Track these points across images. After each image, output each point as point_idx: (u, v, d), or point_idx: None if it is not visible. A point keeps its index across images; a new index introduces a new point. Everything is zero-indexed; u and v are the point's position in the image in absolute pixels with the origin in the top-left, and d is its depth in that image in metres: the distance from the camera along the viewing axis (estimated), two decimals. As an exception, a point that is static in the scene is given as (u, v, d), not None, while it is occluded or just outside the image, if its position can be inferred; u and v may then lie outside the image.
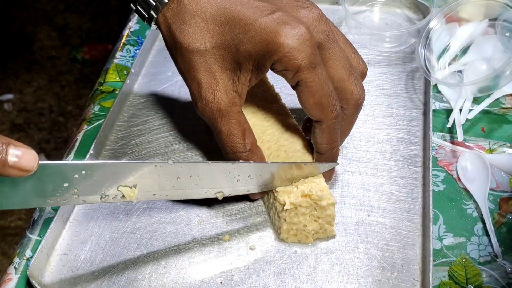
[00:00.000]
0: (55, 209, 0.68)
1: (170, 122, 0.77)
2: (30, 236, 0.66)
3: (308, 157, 0.66)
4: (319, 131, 0.62)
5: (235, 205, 0.67)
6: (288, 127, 0.69)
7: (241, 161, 0.63)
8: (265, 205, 0.67)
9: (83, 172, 0.54)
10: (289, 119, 0.70)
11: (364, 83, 0.79)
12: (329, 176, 0.67)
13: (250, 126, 0.65)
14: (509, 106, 0.78)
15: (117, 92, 0.82)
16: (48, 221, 0.67)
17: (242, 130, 0.63)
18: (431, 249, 0.60)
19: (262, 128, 0.69)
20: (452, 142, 0.74)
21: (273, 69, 0.60)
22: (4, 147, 0.47)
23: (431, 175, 0.67)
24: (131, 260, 0.62)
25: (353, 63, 0.64)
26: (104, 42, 2.32)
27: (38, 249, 0.61)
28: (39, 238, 0.66)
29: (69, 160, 0.53)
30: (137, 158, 0.73)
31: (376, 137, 0.74)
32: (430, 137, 0.70)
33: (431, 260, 0.59)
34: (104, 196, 0.56)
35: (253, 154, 0.64)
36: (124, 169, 0.56)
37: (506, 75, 0.73)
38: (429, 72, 0.76)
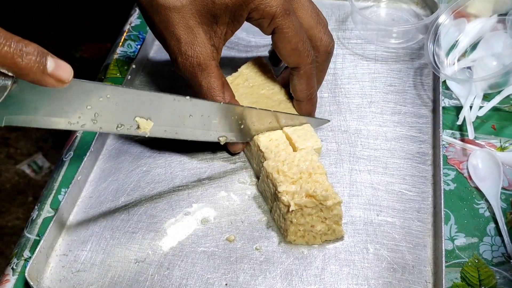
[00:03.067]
0: (55, 208, 0.66)
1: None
2: (28, 236, 0.64)
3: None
4: (297, 77, 0.66)
5: (240, 204, 0.65)
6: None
7: (247, 106, 0.66)
8: (268, 207, 0.65)
9: (108, 95, 0.56)
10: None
11: (371, 79, 0.78)
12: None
13: (227, 81, 0.67)
14: (520, 103, 0.76)
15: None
16: (47, 221, 0.65)
17: (221, 84, 0.65)
18: (443, 250, 0.58)
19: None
20: (462, 140, 0.72)
21: (249, 19, 0.64)
22: (44, 56, 0.47)
23: (442, 173, 0.65)
24: (133, 261, 0.60)
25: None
26: (103, 40, 2.29)
27: (37, 250, 0.59)
28: (37, 238, 0.64)
29: (98, 83, 0.56)
30: (138, 155, 0.71)
31: (384, 135, 0.72)
32: (440, 134, 0.69)
33: (444, 262, 0.57)
34: (120, 125, 0.58)
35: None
36: (144, 97, 0.58)
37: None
38: (438, 68, 0.74)
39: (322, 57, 0.68)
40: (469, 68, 0.79)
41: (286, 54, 0.64)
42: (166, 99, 0.60)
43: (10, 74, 0.46)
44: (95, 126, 0.57)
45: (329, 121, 0.72)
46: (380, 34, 0.84)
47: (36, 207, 0.67)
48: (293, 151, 0.65)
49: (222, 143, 0.66)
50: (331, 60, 0.79)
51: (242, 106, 0.65)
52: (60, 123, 0.55)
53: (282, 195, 0.60)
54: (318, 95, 0.76)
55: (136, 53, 0.82)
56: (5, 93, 0.47)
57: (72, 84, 0.50)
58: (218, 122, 0.64)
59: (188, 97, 0.61)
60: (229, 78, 0.72)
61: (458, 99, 0.76)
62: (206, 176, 0.68)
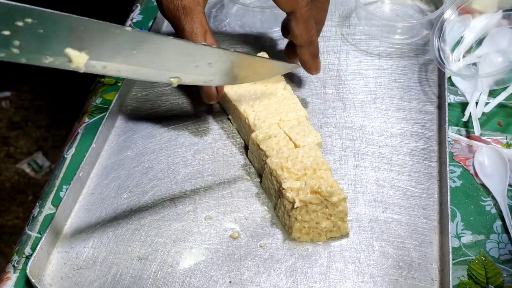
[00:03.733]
0: (56, 205, 0.65)
1: (176, 115, 0.74)
2: (30, 233, 0.63)
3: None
4: (295, 22, 0.66)
5: (243, 201, 0.64)
6: None
7: (202, 43, 0.61)
8: (272, 204, 0.64)
9: (29, 20, 0.46)
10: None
11: (376, 75, 0.77)
12: (315, 67, 0.71)
13: (210, 30, 0.65)
14: (526, 99, 0.75)
15: (119, 84, 0.79)
16: (48, 218, 0.64)
17: (203, 30, 0.63)
18: (450, 248, 0.57)
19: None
20: (468, 137, 0.71)
21: None
22: None
23: (448, 170, 0.64)
24: (135, 258, 0.59)
25: None
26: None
27: (38, 247, 0.58)
28: (38, 235, 0.63)
29: (19, 5, 0.45)
30: (141, 152, 0.70)
31: (389, 131, 0.71)
32: (446, 131, 0.68)
33: (450, 259, 0.56)
34: (48, 57, 0.48)
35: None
36: (76, 25, 0.48)
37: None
38: (444, 63, 0.74)
39: None
40: (474, 64, 0.78)
41: None
42: (105, 28, 0.50)
43: None
44: (19, 57, 0.47)
45: (299, 66, 0.71)
46: (384, 30, 0.83)
47: (37, 204, 0.66)
48: (294, 147, 0.64)
49: (174, 85, 0.58)
50: (336, 56, 0.79)
51: (193, 43, 0.59)
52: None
53: (287, 192, 0.59)
54: (322, 91, 0.75)
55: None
56: None
57: None
58: (167, 59, 0.56)
59: (128, 28, 0.51)
60: None
61: (464, 96, 0.75)
62: (209, 173, 0.67)
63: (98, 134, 0.69)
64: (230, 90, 0.70)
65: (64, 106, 2.10)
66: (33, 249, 0.61)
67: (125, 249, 0.60)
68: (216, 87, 0.66)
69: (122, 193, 0.65)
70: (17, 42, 0.46)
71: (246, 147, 0.70)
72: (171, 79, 0.57)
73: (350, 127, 0.71)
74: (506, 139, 0.70)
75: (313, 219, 0.59)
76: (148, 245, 0.61)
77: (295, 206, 0.58)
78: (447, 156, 0.65)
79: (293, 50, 0.70)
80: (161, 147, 0.70)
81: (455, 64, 0.77)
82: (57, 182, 0.68)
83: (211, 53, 0.59)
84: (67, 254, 0.60)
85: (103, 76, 0.81)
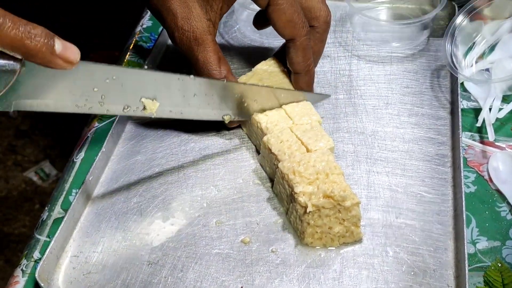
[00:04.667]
0: (65, 209, 0.65)
1: (185, 120, 0.73)
2: (38, 237, 0.63)
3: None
4: (294, 49, 0.67)
5: (255, 206, 0.63)
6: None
7: (248, 83, 0.68)
8: (283, 208, 0.63)
9: (114, 77, 0.56)
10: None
11: (387, 80, 0.76)
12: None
13: (223, 56, 0.67)
14: (540, 105, 0.74)
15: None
16: (57, 222, 0.63)
17: (217, 58, 0.66)
18: (466, 254, 0.56)
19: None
20: (482, 142, 0.70)
21: None
22: (51, 37, 0.47)
23: (462, 176, 0.63)
24: (145, 263, 0.59)
25: None
26: (111, 49, 2.29)
27: (47, 250, 0.57)
28: (47, 239, 0.62)
29: (104, 64, 0.56)
30: (151, 156, 0.69)
31: (402, 137, 0.70)
32: (460, 136, 0.67)
33: (467, 265, 0.55)
34: (127, 107, 0.59)
35: (229, 79, 0.66)
36: (149, 78, 0.60)
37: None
38: (456, 69, 0.73)
39: (322, 27, 0.68)
40: (487, 70, 0.78)
41: (281, 26, 0.65)
42: (170, 79, 0.61)
43: (18, 57, 0.46)
44: (102, 108, 0.57)
45: (329, 96, 0.73)
46: (382, 35, 0.82)
47: (46, 208, 0.66)
48: (307, 152, 0.63)
49: (226, 122, 0.67)
50: (347, 62, 0.78)
51: (242, 83, 0.66)
52: (68, 106, 0.56)
53: (299, 196, 0.58)
54: (333, 96, 0.75)
55: (148, 55, 0.81)
56: (15, 77, 0.47)
57: (79, 66, 0.50)
58: (221, 100, 0.65)
59: (192, 76, 0.62)
60: (243, 78, 0.71)
61: (477, 101, 0.75)
62: (220, 178, 0.67)
63: (108, 138, 0.68)
64: None
65: (71, 114, 2.10)
66: (42, 253, 0.60)
67: (134, 253, 0.60)
68: None
69: (132, 198, 0.65)
70: (102, 97, 0.57)
71: (257, 152, 0.69)
72: (224, 117, 0.67)
73: (362, 132, 0.71)
74: (521, 145, 0.70)
75: (325, 224, 0.59)
76: (158, 250, 0.60)
77: (308, 210, 0.57)
78: (461, 162, 0.64)
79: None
80: (171, 151, 0.70)
81: (467, 69, 0.77)
82: (67, 186, 0.67)
83: (256, 91, 0.66)
84: (76, 259, 0.59)
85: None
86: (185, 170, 0.68)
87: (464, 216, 0.59)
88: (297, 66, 0.68)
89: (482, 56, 0.79)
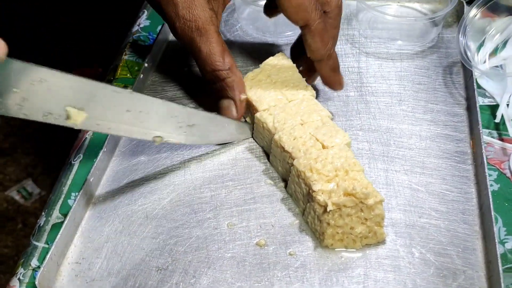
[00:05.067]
0: (64, 213, 0.60)
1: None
2: (36, 243, 0.58)
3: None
4: (310, 36, 0.62)
5: (268, 207, 0.59)
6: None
7: (192, 107, 0.64)
8: (299, 209, 0.59)
9: (41, 79, 0.49)
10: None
11: (398, 77, 0.73)
12: (339, 82, 0.68)
13: (227, 48, 0.64)
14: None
15: (129, 88, 0.74)
16: (56, 227, 0.59)
17: (221, 49, 0.63)
18: (498, 254, 0.53)
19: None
20: (501, 139, 0.67)
21: None
22: None
23: (486, 173, 0.60)
24: (154, 269, 0.54)
25: None
26: (93, 65, 2.24)
27: (47, 257, 0.52)
28: (46, 246, 0.57)
29: (33, 64, 0.48)
30: (154, 157, 0.65)
31: (419, 134, 0.67)
32: (480, 131, 0.64)
33: (500, 266, 0.52)
34: (47, 114, 0.51)
35: (233, 73, 0.63)
36: (83, 86, 0.52)
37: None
38: (470, 61, 0.70)
39: (334, 11, 0.63)
40: (500, 66, 0.75)
41: (292, 11, 0.61)
42: (104, 90, 0.54)
43: None
44: (19, 112, 0.50)
45: (248, 135, 0.68)
46: (389, 33, 0.80)
47: (43, 213, 0.61)
48: (322, 148, 0.60)
49: (156, 143, 0.60)
50: (355, 59, 0.75)
51: (188, 107, 0.61)
52: None
53: (318, 195, 0.55)
54: (343, 93, 0.72)
55: (146, 54, 0.77)
56: None
57: (6, 63, 0.45)
58: (157, 120, 0.59)
59: (129, 90, 0.56)
60: (250, 74, 0.68)
61: (492, 97, 0.72)
62: (230, 178, 0.63)
63: (109, 138, 0.64)
64: (249, 92, 0.66)
65: (54, 132, 2.04)
66: (41, 260, 0.55)
67: (142, 259, 0.55)
68: (237, 108, 0.65)
69: (137, 200, 0.60)
70: (22, 99, 0.49)
71: (265, 153, 0.65)
72: (155, 138, 0.59)
73: (376, 130, 0.67)
74: (542, 141, 0.67)
75: (347, 223, 0.55)
76: (168, 255, 0.55)
77: (328, 209, 0.54)
78: (484, 158, 0.61)
79: (311, 67, 0.67)
80: (176, 151, 0.66)
81: (481, 65, 0.74)
82: (65, 189, 0.63)
83: (195, 114, 0.61)
84: (79, 266, 0.55)
85: (111, 81, 0.76)
86: (192, 170, 0.63)
87: (492, 214, 0.56)
88: (317, 52, 0.64)
89: (494, 53, 0.77)
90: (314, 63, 0.66)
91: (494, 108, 0.70)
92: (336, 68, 0.67)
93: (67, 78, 0.51)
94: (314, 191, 0.55)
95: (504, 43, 0.77)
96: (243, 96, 0.65)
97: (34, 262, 0.56)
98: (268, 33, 0.82)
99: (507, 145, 0.66)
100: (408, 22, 0.80)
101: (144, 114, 0.57)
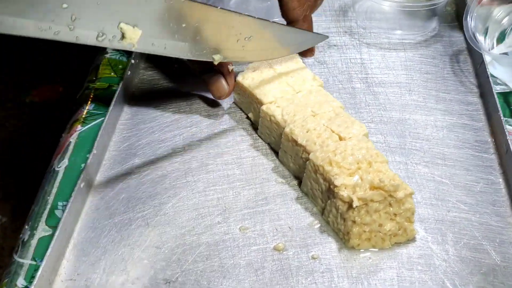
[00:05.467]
0: (52, 225, 0.52)
1: (185, 117, 0.63)
2: (20, 260, 0.50)
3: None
4: None
5: (283, 208, 0.54)
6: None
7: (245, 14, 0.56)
8: (318, 208, 0.54)
9: None
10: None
11: (404, 67, 0.69)
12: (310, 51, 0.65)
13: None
14: None
15: (114, 88, 0.68)
16: (44, 240, 0.51)
17: None
18: (540, 245, 0.48)
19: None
20: (519, 127, 0.63)
21: None
22: None
23: (514, 160, 0.56)
24: (162, 282, 0.47)
25: None
26: (54, 83, 2.15)
27: (38, 275, 0.45)
28: (33, 263, 0.50)
29: None
30: (150, 159, 0.58)
31: (434, 124, 0.62)
32: (502, 117, 0.60)
33: (545, 258, 0.47)
34: (101, 34, 0.47)
35: None
36: None
37: None
38: (478, 42, 0.66)
39: None
40: (506, 54, 0.72)
41: None
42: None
43: None
44: (71, 35, 0.45)
45: (327, 37, 0.65)
46: (388, 23, 0.76)
47: (26, 227, 0.54)
48: (339, 140, 0.54)
49: (215, 62, 0.56)
50: (357, 50, 0.71)
51: (243, 14, 0.56)
52: (28, 27, 0.43)
53: (340, 190, 0.49)
54: (349, 85, 0.67)
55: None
56: None
57: None
58: (214, 33, 0.54)
59: None
60: (251, 64, 0.62)
61: (505, 84, 0.68)
62: (236, 179, 0.56)
63: (97, 141, 0.57)
64: (251, 84, 0.60)
65: (13, 155, 1.94)
66: (28, 279, 0.48)
67: (147, 272, 0.48)
68: (227, 81, 0.61)
69: (134, 206, 0.54)
70: (73, 17, 0.45)
71: (273, 150, 0.60)
72: (214, 56, 0.55)
73: (388, 121, 0.63)
74: (562, 127, 0.63)
75: (375, 220, 0.49)
76: (176, 265, 0.49)
77: (354, 205, 0.48)
78: (510, 146, 0.57)
79: None
80: (174, 151, 0.59)
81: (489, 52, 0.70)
82: (50, 198, 0.55)
83: (252, 24, 0.56)
84: (74, 282, 0.48)
85: (93, 81, 0.70)
86: (193, 171, 0.57)
87: (528, 203, 0.51)
88: (293, 12, 0.60)
89: (499, 41, 0.73)
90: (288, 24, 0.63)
91: (507, 95, 0.66)
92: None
93: None
94: (336, 186, 0.50)
95: (505, 32, 0.74)
96: (231, 67, 0.62)
97: (20, 282, 0.48)
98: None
99: (526, 133, 0.62)
100: (405, 9, 0.76)
101: (201, 27, 0.52)
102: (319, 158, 0.52)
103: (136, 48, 0.49)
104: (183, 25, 0.51)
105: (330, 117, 0.57)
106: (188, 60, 0.61)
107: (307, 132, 0.55)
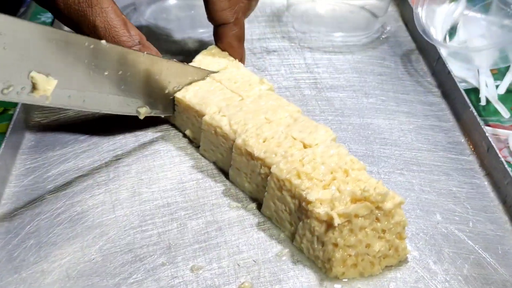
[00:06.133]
0: None
1: (106, 139, 0.51)
2: None
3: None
4: None
5: (242, 238, 0.43)
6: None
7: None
8: (286, 233, 0.43)
9: None
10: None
11: (355, 70, 0.62)
12: (240, 54, 0.57)
13: (129, 20, 0.51)
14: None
15: (11, 112, 0.55)
16: None
17: (122, 21, 0.49)
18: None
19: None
20: (488, 125, 0.57)
21: None
22: None
23: (502, 158, 0.48)
24: None
25: None
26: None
27: None
28: None
29: None
30: (65, 193, 0.46)
31: (399, 127, 0.55)
32: (475, 114, 0.53)
33: (562, 266, 0.39)
34: (8, 86, 0.38)
35: (146, 47, 0.50)
36: (47, 38, 0.39)
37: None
38: (430, 38, 0.60)
39: None
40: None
41: None
42: (76, 42, 0.41)
43: None
44: None
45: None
46: (327, 26, 0.69)
47: None
48: (304, 148, 0.45)
49: (141, 117, 0.49)
50: (298, 56, 0.63)
51: (166, 59, 0.49)
52: None
53: (315, 207, 0.39)
54: (298, 92, 0.58)
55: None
56: None
57: None
58: (138, 84, 0.47)
59: (103, 41, 0.44)
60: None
61: (465, 81, 0.62)
62: (180, 207, 0.45)
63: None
64: (189, 97, 0.50)
65: None
66: None
67: None
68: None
69: (48, 254, 0.41)
70: None
71: (221, 171, 0.49)
72: (139, 109, 0.49)
73: (349, 128, 0.54)
74: (533, 122, 0.57)
75: (361, 240, 0.40)
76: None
77: (335, 224, 0.38)
78: (492, 143, 0.50)
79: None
80: (96, 182, 0.47)
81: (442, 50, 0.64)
82: None
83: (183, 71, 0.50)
84: None
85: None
86: (123, 203, 0.45)
87: (528, 205, 0.44)
88: (222, 14, 0.53)
89: (444, 40, 0.68)
90: (218, 30, 0.55)
91: (469, 93, 0.60)
92: (241, 39, 0.56)
93: (28, 27, 0.37)
94: (309, 202, 0.40)
95: (453, 31, 0.69)
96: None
97: None
98: (175, 31, 0.67)
99: (499, 131, 0.56)
100: (342, 12, 0.69)
101: (124, 76, 0.46)
102: (284, 170, 0.42)
103: (51, 102, 0.40)
104: (105, 73, 0.44)
105: (288, 123, 0.47)
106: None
107: (264, 142, 0.45)
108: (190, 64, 0.53)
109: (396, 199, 0.40)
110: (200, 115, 0.49)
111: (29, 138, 0.51)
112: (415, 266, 0.42)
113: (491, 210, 0.47)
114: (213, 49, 0.56)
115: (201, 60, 0.54)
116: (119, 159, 0.49)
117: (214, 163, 0.49)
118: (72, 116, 0.54)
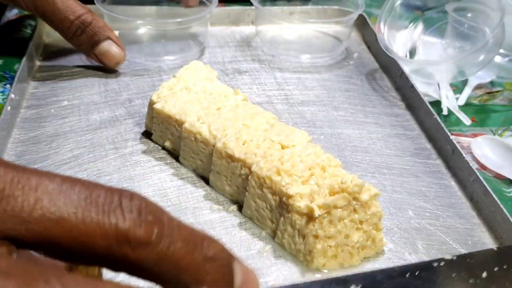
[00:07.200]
0: None
1: (86, 151, 0.52)
2: None
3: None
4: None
5: (225, 237, 0.44)
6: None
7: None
8: (267, 231, 0.45)
9: None
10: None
11: (323, 87, 0.66)
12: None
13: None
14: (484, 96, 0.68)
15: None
16: None
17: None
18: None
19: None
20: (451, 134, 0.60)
21: None
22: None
23: (466, 159, 0.51)
24: None
25: None
26: None
27: None
28: None
29: None
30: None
31: (368, 136, 0.57)
32: (439, 120, 0.56)
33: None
34: None
35: (94, 14, 0.60)
36: None
37: (472, 62, 0.63)
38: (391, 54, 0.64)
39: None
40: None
41: None
42: None
43: None
44: None
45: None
46: (295, 49, 0.72)
47: None
48: (282, 149, 0.47)
49: None
50: (269, 76, 0.66)
51: None
52: None
53: (296, 200, 0.41)
54: (271, 107, 0.61)
55: (5, 93, 0.59)
56: None
57: None
58: None
59: None
60: (166, 84, 0.54)
61: (427, 95, 0.66)
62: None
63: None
64: (168, 107, 0.52)
65: None
66: None
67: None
68: (117, 44, 0.62)
69: None
70: None
71: (200, 177, 0.50)
72: None
73: (322, 137, 0.57)
74: (491, 131, 0.61)
75: (340, 231, 0.41)
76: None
77: (315, 215, 0.40)
78: (457, 146, 0.53)
79: None
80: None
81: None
82: None
83: None
84: None
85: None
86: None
87: (494, 197, 0.47)
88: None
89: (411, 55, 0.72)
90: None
91: (431, 105, 0.63)
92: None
93: None
94: (290, 196, 0.41)
95: (414, 52, 0.73)
96: (117, 32, 0.62)
97: None
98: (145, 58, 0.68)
99: (462, 139, 0.59)
100: (308, 37, 0.73)
101: None
102: (264, 169, 0.44)
103: None
104: None
105: (266, 128, 0.49)
106: (70, 40, 0.61)
107: (243, 144, 0.47)
108: (173, 77, 0.55)
109: (372, 191, 0.42)
110: (180, 123, 0.50)
111: (9, 153, 0.52)
112: (392, 257, 0.43)
113: (459, 206, 0.49)
114: (195, 63, 0.58)
115: (183, 76, 0.55)
116: (100, 169, 0.50)
117: (194, 170, 0.51)
118: (51, 131, 0.55)
